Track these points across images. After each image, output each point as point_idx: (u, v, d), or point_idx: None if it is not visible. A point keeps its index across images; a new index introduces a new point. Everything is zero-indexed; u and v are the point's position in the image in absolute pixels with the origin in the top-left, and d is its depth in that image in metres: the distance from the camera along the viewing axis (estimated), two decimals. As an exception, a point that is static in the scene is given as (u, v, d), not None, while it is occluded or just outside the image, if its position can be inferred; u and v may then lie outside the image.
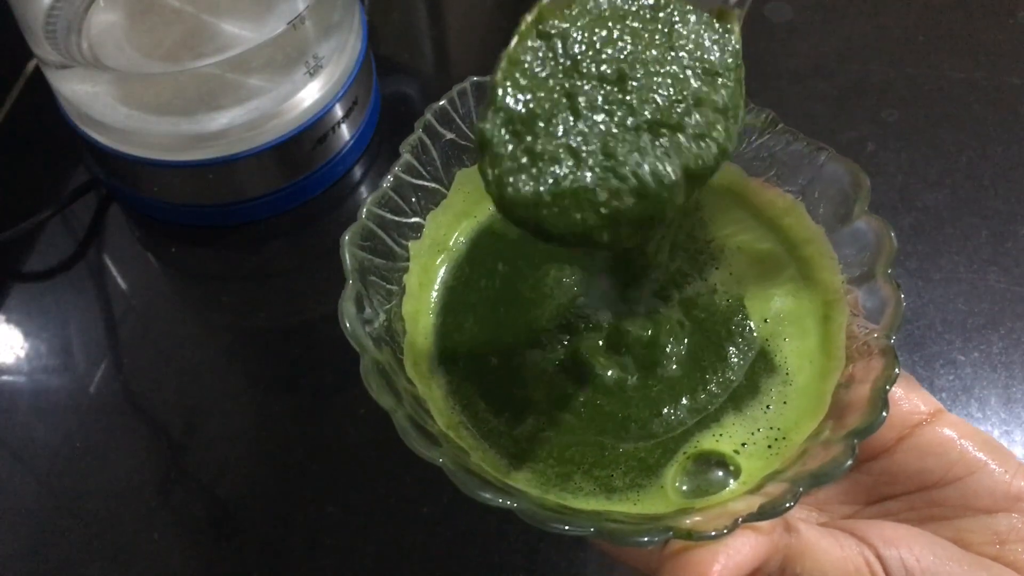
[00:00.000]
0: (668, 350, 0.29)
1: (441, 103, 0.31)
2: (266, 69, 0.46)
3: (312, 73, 0.48)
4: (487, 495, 0.23)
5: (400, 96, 0.57)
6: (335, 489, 0.41)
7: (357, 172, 0.53)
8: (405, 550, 0.40)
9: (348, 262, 0.28)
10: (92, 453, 0.43)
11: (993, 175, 0.51)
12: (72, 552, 0.40)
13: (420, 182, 0.31)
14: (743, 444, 0.27)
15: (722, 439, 0.27)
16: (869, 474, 0.28)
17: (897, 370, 0.25)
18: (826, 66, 0.57)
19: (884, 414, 0.24)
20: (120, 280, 0.49)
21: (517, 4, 0.63)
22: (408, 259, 0.30)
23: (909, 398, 0.27)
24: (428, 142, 0.31)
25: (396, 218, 0.30)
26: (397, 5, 0.62)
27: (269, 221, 0.51)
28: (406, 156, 0.30)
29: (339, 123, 0.50)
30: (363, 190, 0.52)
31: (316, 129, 0.49)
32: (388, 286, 0.29)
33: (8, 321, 0.48)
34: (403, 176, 0.30)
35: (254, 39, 0.45)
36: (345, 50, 0.50)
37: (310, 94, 0.48)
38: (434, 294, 0.31)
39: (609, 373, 0.29)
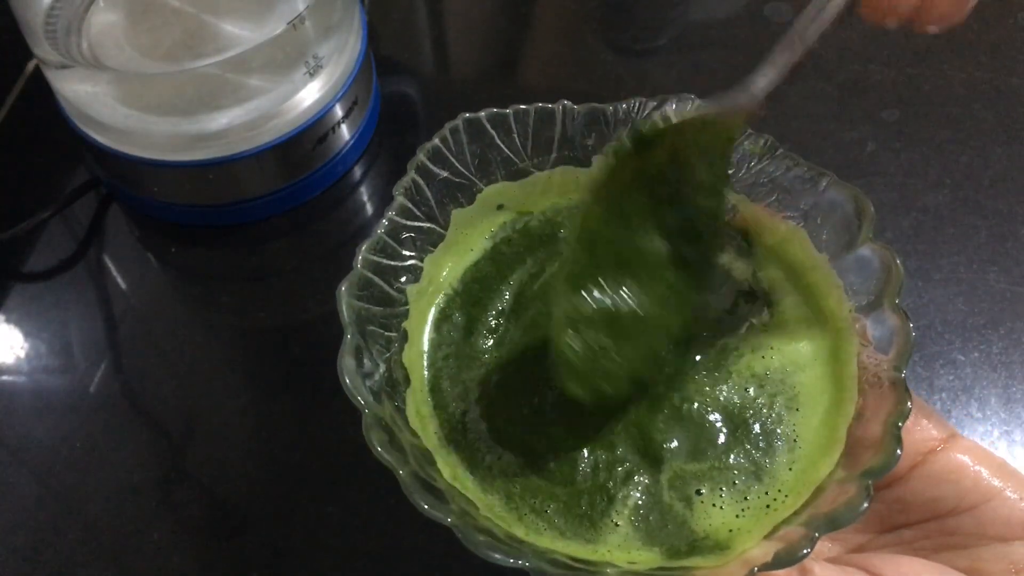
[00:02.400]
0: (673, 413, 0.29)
1: (434, 142, 0.31)
2: (266, 69, 0.46)
3: (312, 73, 0.48)
4: (497, 556, 0.23)
5: (400, 96, 0.57)
6: (335, 489, 0.41)
7: (357, 172, 0.53)
8: (405, 550, 0.40)
9: (345, 314, 0.27)
10: (92, 453, 0.43)
11: (993, 175, 0.51)
12: (72, 552, 0.40)
13: (415, 223, 0.30)
14: (737, 516, 0.27)
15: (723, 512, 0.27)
16: (882, 502, 0.27)
17: (909, 404, 0.24)
18: (826, 66, 0.57)
19: (898, 452, 0.23)
20: (120, 280, 0.49)
21: (517, 4, 0.63)
22: (407, 303, 0.30)
23: (922, 424, 0.27)
24: (422, 182, 0.30)
25: (392, 263, 0.29)
26: (397, 5, 0.62)
27: (269, 221, 0.51)
28: (399, 199, 0.30)
29: (339, 123, 0.50)
30: (363, 190, 0.52)
31: (316, 129, 0.49)
32: (387, 333, 0.29)
33: (8, 321, 0.48)
34: (397, 219, 0.30)
35: (254, 39, 0.45)
36: (345, 50, 0.50)
37: (310, 94, 0.48)
38: (434, 337, 0.31)
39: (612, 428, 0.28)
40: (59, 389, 0.45)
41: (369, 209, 0.52)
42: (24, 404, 0.45)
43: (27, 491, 0.42)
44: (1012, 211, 0.50)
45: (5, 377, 0.46)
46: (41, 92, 0.50)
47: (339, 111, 0.49)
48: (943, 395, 0.43)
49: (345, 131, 0.51)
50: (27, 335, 0.47)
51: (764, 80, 0.28)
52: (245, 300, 0.49)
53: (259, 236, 0.50)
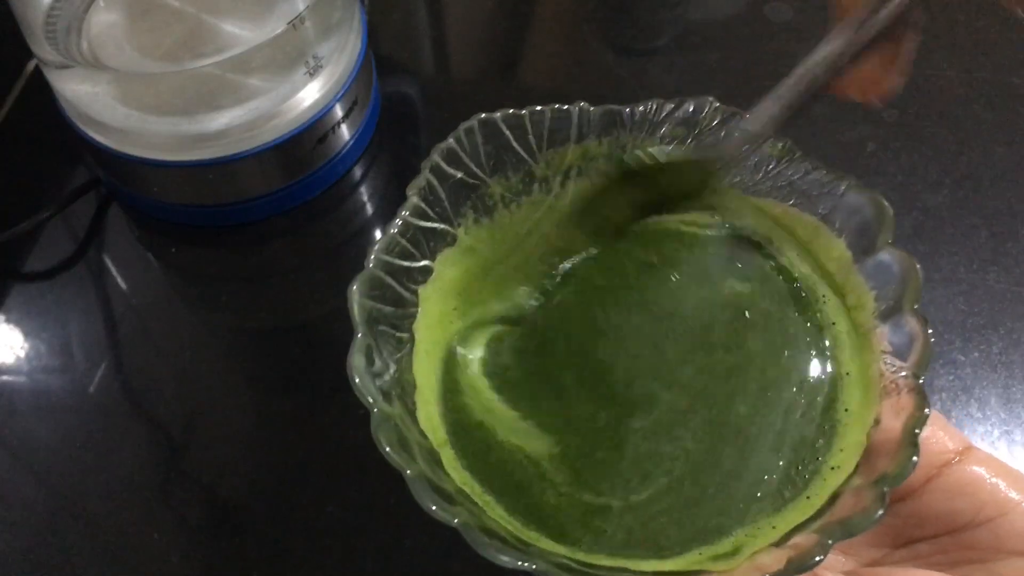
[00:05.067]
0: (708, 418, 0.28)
1: (448, 143, 0.30)
2: (266, 69, 0.46)
3: (312, 73, 0.48)
4: (505, 558, 0.22)
5: (400, 96, 0.57)
6: (335, 489, 0.41)
7: (357, 172, 0.53)
8: (405, 550, 0.40)
9: (356, 313, 0.26)
10: (92, 453, 0.43)
11: (993, 175, 0.51)
12: (72, 552, 0.40)
13: (428, 224, 0.30)
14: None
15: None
16: (897, 516, 0.27)
17: (927, 411, 0.24)
18: (826, 66, 0.57)
19: (915, 459, 0.23)
20: (120, 280, 0.49)
21: (517, 4, 0.63)
22: (417, 305, 0.30)
23: (937, 436, 0.26)
24: (435, 183, 0.30)
25: (404, 263, 0.29)
26: (397, 5, 0.62)
27: (269, 221, 0.51)
28: (413, 199, 0.29)
29: (339, 123, 0.50)
30: (363, 190, 0.52)
31: (316, 129, 0.49)
32: (398, 334, 0.28)
33: (8, 321, 0.48)
34: (411, 220, 0.29)
35: (254, 39, 0.45)
36: (345, 50, 0.50)
37: (310, 94, 0.48)
38: (443, 340, 0.30)
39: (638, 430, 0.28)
40: (59, 389, 0.45)
41: (369, 209, 0.52)
42: (24, 404, 0.45)
43: (27, 491, 0.42)
44: (1012, 211, 0.50)
45: (5, 377, 0.46)
46: (41, 92, 0.50)
47: (339, 111, 0.49)
48: (943, 395, 0.43)
49: (345, 131, 0.51)
50: (27, 335, 0.47)
51: (762, 117, 0.28)
52: (245, 300, 0.49)
53: (259, 236, 0.50)
